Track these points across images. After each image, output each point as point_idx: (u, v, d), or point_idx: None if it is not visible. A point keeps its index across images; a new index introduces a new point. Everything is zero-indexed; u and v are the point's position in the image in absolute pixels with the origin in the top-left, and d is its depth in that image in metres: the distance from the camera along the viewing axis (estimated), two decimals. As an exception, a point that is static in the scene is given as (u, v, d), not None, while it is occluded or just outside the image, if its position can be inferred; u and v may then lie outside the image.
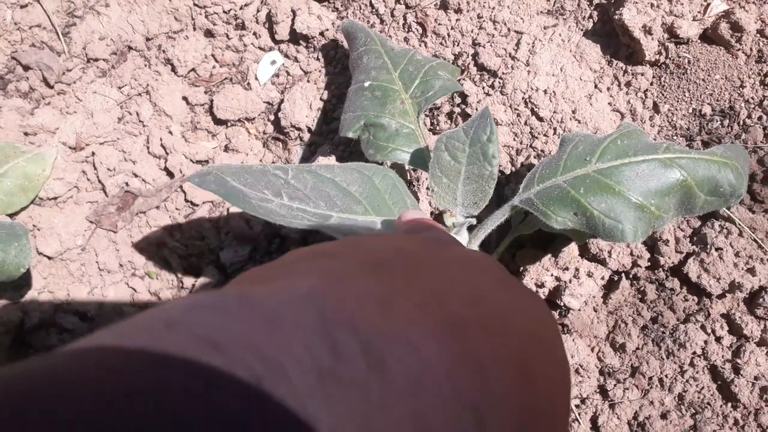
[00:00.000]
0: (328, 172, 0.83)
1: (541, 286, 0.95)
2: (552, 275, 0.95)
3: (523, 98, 1.04)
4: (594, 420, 0.93)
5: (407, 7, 1.17)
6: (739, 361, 0.89)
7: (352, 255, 0.42)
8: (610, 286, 0.98)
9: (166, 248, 1.16)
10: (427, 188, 1.02)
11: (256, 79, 1.24)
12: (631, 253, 0.95)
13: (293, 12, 1.22)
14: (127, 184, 1.20)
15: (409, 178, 1.08)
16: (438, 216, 1.02)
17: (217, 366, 0.25)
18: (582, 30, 1.10)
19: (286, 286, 0.33)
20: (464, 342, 0.34)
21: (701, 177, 0.77)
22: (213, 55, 1.27)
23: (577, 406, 0.93)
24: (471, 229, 0.90)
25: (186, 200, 1.19)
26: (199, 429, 0.22)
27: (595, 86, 1.06)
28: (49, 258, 1.16)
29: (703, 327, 0.92)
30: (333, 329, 0.29)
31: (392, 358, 0.30)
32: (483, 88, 1.08)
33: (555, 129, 1.03)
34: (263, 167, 0.81)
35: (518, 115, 1.05)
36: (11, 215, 1.14)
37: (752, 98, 1.00)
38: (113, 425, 0.21)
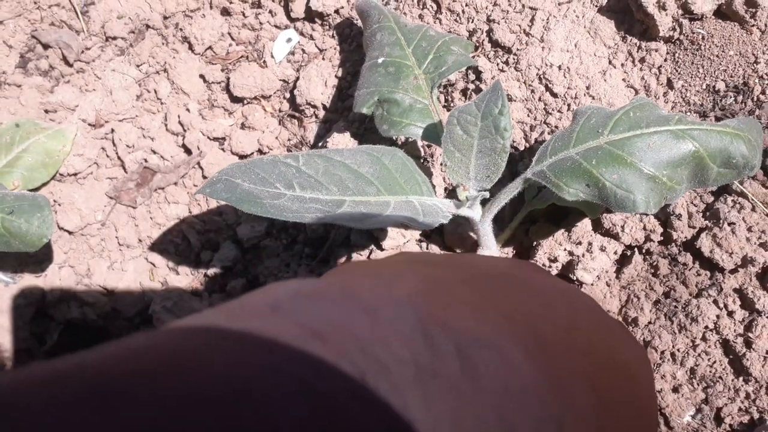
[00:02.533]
0: (338, 156, 0.84)
1: (554, 260, 0.96)
2: (565, 249, 0.96)
3: (537, 74, 1.05)
4: (605, 393, 0.94)
5: (422, -16, 1.18)
6: (751, 335, 0.89)
7: (453, 266, 0.43)
8: (623, 261, 0.99)
9: (185, 223, 1.18)
10: (441, 163, 1.03)
11: (272, 56, 1.25)
12: (644, 228, 0.96)
13: (308, -10, 1.23)
14: (145, 160, 1.22)
15: (423, 154, 1.09)
16: (452, 191, 1.03)
17: (323, 357, 0.25)
18: (596, 6, 1.10)
19: (387, 285, 0.35)
20: (549, 360, 0.35)
21: (713, 148, 0.78)
22: (229, 33, 1.28)
23: (588, 379, 0.94)
24: (484, 203, 0.91)
25: (204, 176, 1.21)
26: (309, 418, 0.23)
27: (609, 62, 1.06)
28: (70, 233, 1.18)
29: (715, 301, 0.92)
30: (430, 329, 0.30)
31: (483, 362, 0.31)
32: (497, 64, 1.08)
33: (569, 105, 1.03)
34: (273, 159, 0.82)
35: (532, 91, 1.05)
36: (33, 190, 1.16)
37: (766, 74, 1.00)
38: (231, 405, 0.22)
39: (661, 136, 0.77)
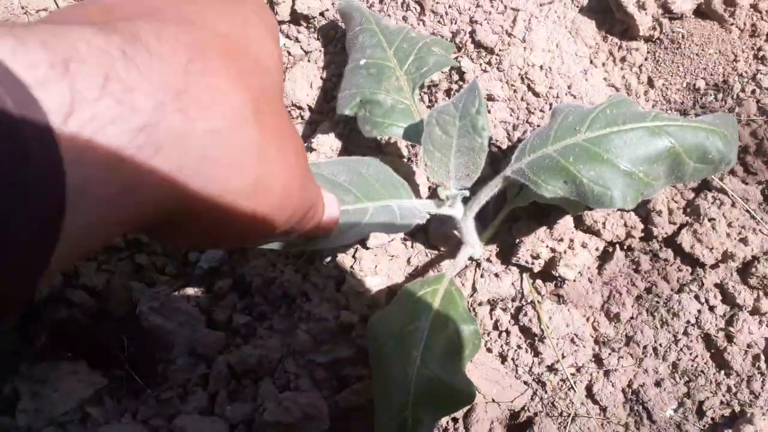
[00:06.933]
0: (314, 168, 0.86)
1: (537, 257, 0.97)
2: (547, 246, 0.97)
3: (519, 74, 1.06)
4: (589, 388, 0.94)
5: (406, -14, 1.19)
6: (732, 329, 0.91)
7: None
8: (604, 257, 1.00)
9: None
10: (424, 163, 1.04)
11: (259, 59, 1.26)
12: (625, 224, 0.97)
13: (294, -8, 1.24)
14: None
15: (408, 153, 1.09)
16: (434, 190, 1.04)
17: None
18: (577, 6, 1.11)
19: None
20: None
21: (689, 144, 0.79)
22: (216, 37, 1.29)
23: (573, 375, 0.95)
24: (466, 201, 0.92)
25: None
26: None
27: (591, 62, 1.07)
28: (58, 236, 1.18)
29: (696, 297, 0.93)
30: None
31: None
32: (480, 65, 1.09)
33: (551, 104, 1.04)
34: None
35: (515, 91, 1.06)
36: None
37: (746, 72, 1.02)
38: None
39: (638, 133, 0.78)
